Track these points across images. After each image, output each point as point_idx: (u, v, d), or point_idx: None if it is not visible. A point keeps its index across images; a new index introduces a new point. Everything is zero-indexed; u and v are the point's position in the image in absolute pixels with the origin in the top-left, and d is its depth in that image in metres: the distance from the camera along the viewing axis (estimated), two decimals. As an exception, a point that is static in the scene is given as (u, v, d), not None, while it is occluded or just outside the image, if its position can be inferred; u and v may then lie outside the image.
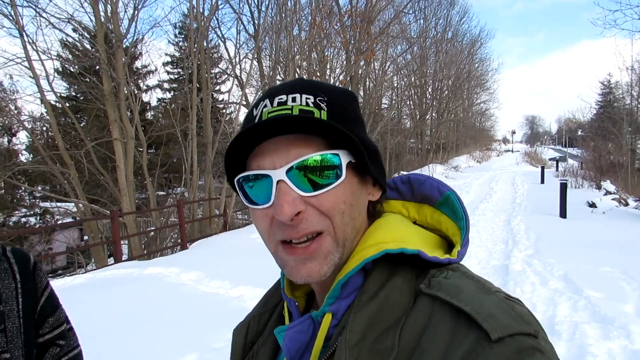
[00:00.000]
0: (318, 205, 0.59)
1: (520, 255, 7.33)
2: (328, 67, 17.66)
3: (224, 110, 19.22)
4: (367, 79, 22.66)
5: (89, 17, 12.61)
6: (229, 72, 18.37)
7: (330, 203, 0.60)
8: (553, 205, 11.86)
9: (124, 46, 12.79)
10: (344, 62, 17.70)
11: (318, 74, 16.72)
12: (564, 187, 11.45)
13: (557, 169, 29.25)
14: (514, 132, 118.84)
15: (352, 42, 16.37)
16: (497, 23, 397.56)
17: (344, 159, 0.60)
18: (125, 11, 12.34)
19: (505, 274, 6.34)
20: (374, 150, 0.65)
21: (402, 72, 27.00)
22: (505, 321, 0.49)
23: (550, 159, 46.67)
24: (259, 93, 15.82)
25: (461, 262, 0.64)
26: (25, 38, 11.07)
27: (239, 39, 18.25)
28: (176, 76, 29.17)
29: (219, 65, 25.71)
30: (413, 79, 30.16)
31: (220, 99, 27.55)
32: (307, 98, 0.62)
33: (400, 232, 0.64)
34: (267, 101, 0.63)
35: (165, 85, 29.40)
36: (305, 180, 0.59)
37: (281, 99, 0.62)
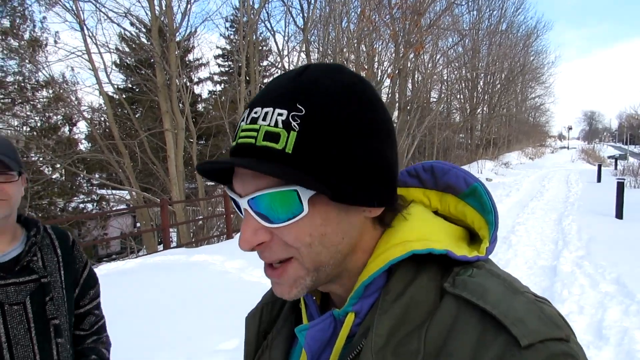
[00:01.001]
0: (282, 236, 0.57)
1: (570, 256, 7.02)
2: (376, 59, 17.49)
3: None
4: (416, 72, 22.27)
5: (145, 12, 13.08)
6: (277, 65, 18.58)
7: (293, 236, 0.56)
8: (609, 205, 11.25)
9: (177, 39, 13.16)
10: (393, 55, 17.46)
11: (366, 66, 16.59)
12: (620, 186, 10.87)
13: (615, 168, 27.65)
14: (570, 128, 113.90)
15: (401, 34, 16.12)
16: (555, 14, 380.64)
17: (304, 193, 0.54)
18: (179, 5, 12.71)
19: (553, 275, 6.10)
20: (366, 168, 0.57)
21: (453, 65, 26.36)
22: (535, 326, 0.47)
23: (609, 157, 44.40)
24: None
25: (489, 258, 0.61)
26: (86, 32, 11.64)
27: (287, 32, 18.39)
28: (227, 69, 29.76)
29: (268, 58, 26.06)
30: (464, 72, 29.38)
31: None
32: (279, 114, 0.55)
33: (425, 228, 0.61)
34: (246, 113, 0.59)
35: (216, 78, 30.08)
36: (268, 211, 0.56)
37: (255, 113, 0.57)
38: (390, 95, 18.53)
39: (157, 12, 11.97)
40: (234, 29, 28.36)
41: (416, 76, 23.02)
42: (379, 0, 15.52)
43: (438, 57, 23.53)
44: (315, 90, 0.56)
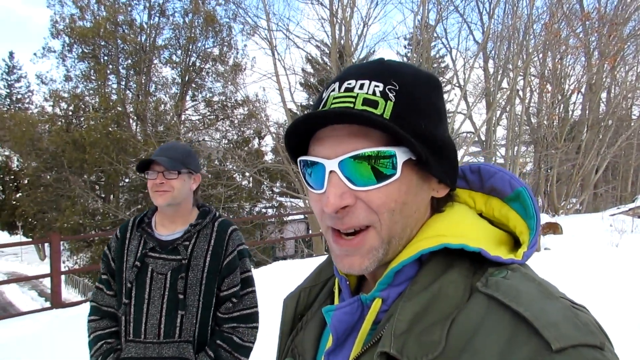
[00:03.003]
0: (367, 200, 0.58)
1: None
2: (562, 73, 16.03)
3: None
4: (613, 86, 19.71)
5: (327, 35, 14.27)
6: (452, 82, 18.35)
7: (380, 200, 0.58)
8: None
9: (354, 60, 13.99)
10: (584, 67, 15.82)
11: (550, 79, 15.34)
12: None
13: None
14: None
15: (594, 45, 14.53)
16: None
17: (400, 156, 0.58)
18: (357, 29, 13.52)
19: None
20: (443, 147, 0.62)
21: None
22: (568, 331, 0.46)
23: None
24: (480, 101, 15.41)
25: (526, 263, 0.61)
26: (276, 56, 13.15)
27: (465, 47, 18.02)
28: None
29: (445, 76, 25.75)
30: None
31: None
32: (375, 86, 0.59)
33: (462, 226, 0.62)
34: (336, 85, 0.62)
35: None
36: (358, 174, 0.57)
37: (349, 84, 0.60)
38: (578, 112, 16.81)
39: (337, 35, 12.94)
40: (411, 47, 28.79)
41: (612, 91, 20.40)
42: (569, 11, 14.28)
43: (641, 68, 20.47)
44: (405, 72, 0.62)
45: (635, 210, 11.46)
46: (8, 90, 39.29)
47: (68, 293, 18.73)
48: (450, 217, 0.64)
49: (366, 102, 0.58)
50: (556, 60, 14.83)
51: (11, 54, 38.58)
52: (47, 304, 15.66)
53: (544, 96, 15.76)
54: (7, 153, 25.04)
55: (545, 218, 9.71)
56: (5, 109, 38.54)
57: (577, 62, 15.98)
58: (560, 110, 15.53)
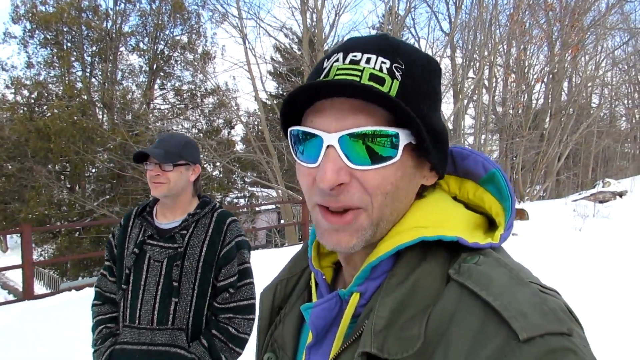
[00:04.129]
0: (363, 180, 0.56)
1: None
2: (526, 63, 16.49)
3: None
4: (574, 75, 20.40)
5: (298, 24, 14.24)
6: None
7: (376, 182, 0.56)
8: None
9: (325, 49, 14.02)
10: (547, 57, 16.30)
11: (514, 69, 15.76)
12: None
13: None
14: None
15: (556, 35, 14.98)
16: None
17: (403, 139, 0.56)
18: (328, 17, 13.55)
19: None
20: (440, 133, 0.60)
21: (619, 66, 23.51)
22: (536, 319, 0.46)
23: None
24: (449, 91, 15.68)
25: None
26: (247, 45, 13.05)
27: (432, 37, 18.27)
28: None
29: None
30: (633, 73, 25.99)
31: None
32: (382, 62, 0.57)
33: (440, 214, 0.61)
34: (340, 55, 0.59)
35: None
36: (357, 152, 0.55)
37: (355, 56, 0.58)
38: (541, 101, 17.32)
39: (308, 24, 12.91)
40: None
41: (573, 80, 21.11)
42: (533, 2, 14.66)
43: (602, 57, 21.27)
44: (410, 52, 0.60)
45: (596, 195, 11.98)
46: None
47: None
48: (429, 205, 0.63)
49: (372, 77, 0.56)
50: (520, 50, 15.23)
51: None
52: (10, 297, 15.40)
53: (509, 85, 16.21)
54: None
55: (510, 204, 10.03)
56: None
57: (540, 51, 16.46)
58: (525, 99, 15.98)
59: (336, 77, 0.57)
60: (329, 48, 13.76)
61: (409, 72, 0.58)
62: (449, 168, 0.69)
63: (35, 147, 16.10)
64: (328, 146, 0.56)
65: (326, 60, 0.61)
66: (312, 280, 0.72)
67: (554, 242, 7.56)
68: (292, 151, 0.63)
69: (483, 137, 13.74)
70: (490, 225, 0.66)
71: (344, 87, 0.54)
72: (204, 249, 1.72)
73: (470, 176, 0.68)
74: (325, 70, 0.59)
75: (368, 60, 0.57)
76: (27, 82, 17.96)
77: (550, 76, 16.05)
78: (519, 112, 15.08)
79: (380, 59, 0.57)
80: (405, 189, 0.60)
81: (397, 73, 0.57)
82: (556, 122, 15.71)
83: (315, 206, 0.60)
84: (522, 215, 9.34)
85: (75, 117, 16.09)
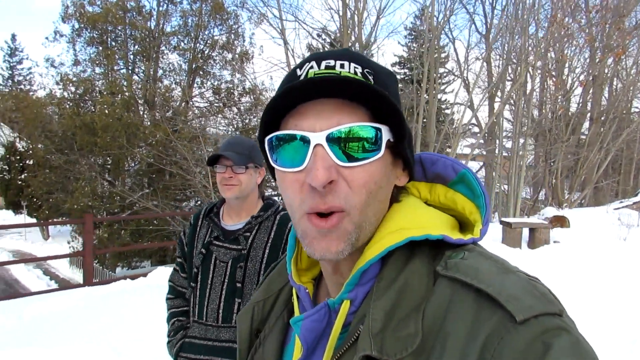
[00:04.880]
0: (350, 178, 0.57)
1: None
2: (567, 66, 16.18)
3: (447, 111, 19.44)
4: (615, 79, 19.88)
5: (336, 25, 14.38)
6: (455, 73, 18.48)
7: (363, 179, 0.57)
8: None
9: (365, 52, 14.12)
10: (587, 61, 15.95)
11: (554, 73, 15.50)
12: None
13: None
14: None
15: (599, 38, 14.65)
16: None
17: (385, 135, 0.58)
18: (369, 18, 13.63)
19: None
20: (409, 134, 0.63)
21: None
22: (529, 302, 0.49)
23: None
24: (485, 95, 15.55)
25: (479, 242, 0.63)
26: (287, 46, 13.29)
27: (469, 40, 18.17)
28: (402, 76, 30.23)
29: (445, 66, 25.80)
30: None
31: (444, 99, 27.60)
32: (355, 67, 0.60)
33: (421, 216, 0.63)
34: (313, 63, 0.61)
35: (392, 85, 30.54)
36: (343, 150, 0.57)
37: (329, 63, 0.60)
38: (580, 105, 16.96)
39: (349, 27, 13.03)
40: (412, 37, 28.76)
41: (614, 84, 20.56)
42: (574, 3, 14.40)
43: (645, 62, 20.60)
44: (375, 63, 0.63)
45: (638, 204, 11.67)
46: (10, 72, 39.38)
47: (73, 273, 19.05)
48: (408, 207, 0.65)
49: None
50: (562, 53, 14.98)
51: (13, 37, 38.62)
52: (53, 282, 16.06)
53: (548, 89, 15.94)
54: (14, 135, 25.14)
55: (552, 211, 9.94)
56: (7, 90, 38.84)
57: (581, 54, 16.13)
58: (564, 104, 15.69)
59: (317, 76, 0.57)
60: (361, 48, 13.87)
61: (379, 76, 0.61)
62: (418, 174, 0.72)
63: (82, 140, 16.80)
64: (316, 145, 0.56)
65: (298, 69, 0.62)
66: (294, 296, 0.71)
67: (597, 251, 7.43)
68: (270, 160, 0.62)
69: (522, 140, 13.58)
70: (461, 227, 0.67)
71: (330, 83, 0.55)
72: (267, 251, 1.77)
73: (440, 180, 0.70)
74: (302, 76, 0.60)
75: (342, 66, 0.60)
76: (74, 79, 18.70)
77: (591, 79, 15.70)
78: (559, 116, 14.82)
79: (353, 64, 0.60)
80: (385, 189, 0.62)
81: (369, 77, 0.60)
82: (597, 128, 15.39)
83: (303, 216, 0.60)
84: (562, 222, 9.24)
85: (120, 113, 16.68)
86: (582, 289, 5.41)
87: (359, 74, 0.59)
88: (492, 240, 8.25)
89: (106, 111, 16.39)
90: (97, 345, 4.03)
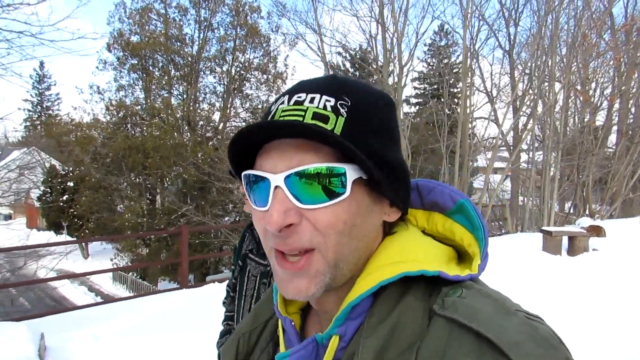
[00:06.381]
0: (313, 220, 0.55)
1: None
2: (593, 80, 16.56)
3: (471, 124, 19.96)
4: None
5: (370, 47, 15.16)
6: (479, 88, 19.05)
7: (327, 221, 0.55)
8: None
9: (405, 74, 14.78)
10: (614, 77, 16.33)
11: (578, 87, 15.90)
12: None
13: None
14: None
15: (625, 54, 15.06)
16: None
17: (350, 174, 0.55)
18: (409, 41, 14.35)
19: None
20: (396, 168, 0.60)
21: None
22: (532, 349, 0.47)
23: None
24: (509, 108, 15.99)
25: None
26: (327, 68, 14.09)
27: (493, 55, 18.65)
28: (422, 91, 30.65)
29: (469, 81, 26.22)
30: None
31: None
32: (327, 100, 0.57)
33: (415, 249, 0.61)
34: (285, 97, 0.60)
35: (412, 100, 31.07)
36: (305, 191, 0.54)
37: (299, 97, 0.58)
38: (606, 119, 17.28)
39: (388, 47, 13.78)
40: (431, 53, 29.38)
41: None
42: (602, 22, 14.90)
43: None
44: (357, 89, 0.60)
45: (671, 215, 11.93)
46: (39, 98, 41.20)
47: (116, 289, 19.90)
48: (403, 241, 0.62)
49: (316, 116, 0.56)
50: (590, 70, 15.45)
51: (42, 64, 40.37)
52: (99, 299, 16.80)
53: (576, 104, 16.38)
54: (52, 160, 26.27)
55: (587, 221, 10.35)
56: (36, 115, 40.62)
57: (608, 70, 16.49)
58: (590, 118, 16.06)
59: (282, 118, 0.57)
60: (407, 72, 14.49)
61: (356, 108, 0.58)
62: (415, 201, 0.69)
63: (133, 162, 17.79)
64: (275, 187, 0.55)
65: (274, 104, 0.61)
66: (280, 328, 0.68)
67: (634, 258, 7.80)
68: (247, 197, 0.62)
69: (554, 155, 14.02)
70: (459, 257, 0.66)
71: (285, 127, 0.54)
72: None
73: (438, 208, 0.68)
74: (272, 114, 0.59)
75: (312, 100, 0.57)
76: (115, 103, 19.81)
77: (619, 95, 16.08)
78: (586, 130, 15.21)
79: (325, 97, 0.57)
80: (362, 227, 0.58)
81: (342, 110, 0.57)
82: (626, 141, 15.70)
83: (271, 251, 0.59)
84: (599, 231, 9.62)
85: (170, 135, 17.69)
86: (622, 294, 5.79)
87: (329, 108, 0.56)
88: (532, 248, 8.68)
89: (155, 133, 17.40)
90: (199, 332, 4.67)
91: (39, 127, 38.82)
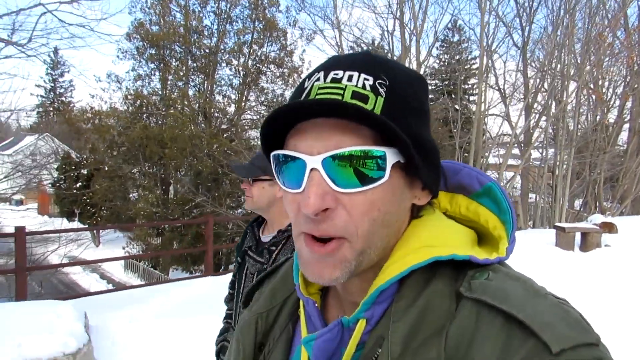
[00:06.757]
0: (349, 206, 0.54)
1: None
2: (607, 78, 16.63)
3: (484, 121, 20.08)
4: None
5: (387, 44, 15.30)
6: (492, 86, 19.10)
7: (364, 207, 0.54)
8: None
9: (422, 71, 14.87)
10: (627, 75, 16.39)
11: (591, 85, 15.97)
12: None
13: None
14: None
15: (637, 52, 15.11)
16: None
17: (390, 157, 0.53)
18: (427, 37, 14.49)
19: None
20: (430, 150, 0.59)
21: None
22: (565, 331, 0.46)
23: None
24: (521, 106, 16.09)
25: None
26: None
27: (507, 52, 18.71)
28: (432, 87, 30.67)
29: (476, 77, 26.28)
30: None
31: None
32: (365, 79, 0.55)
33: (445, 233, 0.60)
34: (321, 74, 0.57)
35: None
36: (342, 174, 0.53)
37: (336, 74, 0.56)
38: (617, 116, 17.36)
39: (407, 45, 13.94)
40: (444, 48, 29.40)
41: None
42: (617, 21, 14.95)
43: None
44: (395, 68, 0.59)
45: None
46: (52, 85, 41.52)
47: (128, 277, 20.25)
48: (432, 224, 0.62)
49: (355, 95, 0.54)
50: (603, 68, 15.52)
51: (56, 50, 40.59)
52: (110, 286, 17.13)
53: (589, 101, 16.47)
54: (65, 148, 26.56)
55: (599, 218, 10.52)
56: (49, 102, 40.96)
57: (621, 68, 16.55)
58: (603, 116, 16.16)
59: (317, 97, 0.55)
60: (426, 69, 14.62)
61: (394, 88, 0.56)
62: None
63: (150, 152, 18.08)
64: (312, 169, 0.54)
65: (307, 80, 0.59)
66: (301, 309, 0.67)
67: None
68: (276, 178, 0.60)
69: (567, 151, 14.15)
70: (480, 239, 0.65)
71: (325, 107, 0.52)
72: None
73: (462, 190, 0.67)
74: (307, 90, 0.57)
75: (350, 78, 0.55)
76: (133, 92, 20.07)
77: (632, 93, 16.14)
78: (599, 128, 15.32)
79: (363, 75, 0.55)
80: (395, 213, 0.58)
81: (380, 89, 0.55)
82: (637, 139, 15.79)
83: (300, 234, 0.58)
84: (611, 228, 9.79)
85: (188, 125, 17.96)
86: (635, 289, 5.99)
87: (368, 87, 0.55)
88: (546, 244, 8.88)
89: (172, 124, 17.68)
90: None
91: (51, 113, 39.20)
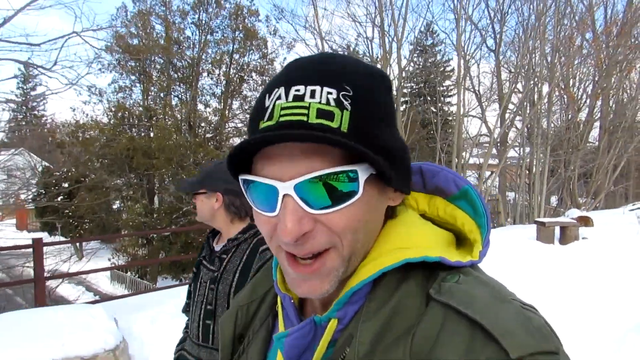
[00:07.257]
0: (328, 224, 0.54)
1: None
2: (577, 78, 17.28)
3: (453, 122, 20.58)
4: (621, 91, 20.93)
5: (367, 50, 15.68)
6: (468, 88, 19.59)
7: (343, 222, 0.54)
8: None
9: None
10: (595, 74, 17.10)
11: (562, 84, 16.57)
12: None
13: None
14: None
15: (605, 53, 15.79)
16: None
17: (362, 173, 0.53)
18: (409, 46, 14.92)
19: None
20: (400, 156, 0.59)
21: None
22: (524, 338, 0.47)
23: None
24: (490, 104, 16.55)
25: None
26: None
27: (480, 54, 19.29)
28: (408, 90, 31.19)
29: (451, 79, 26.89)
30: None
31: (451, 110, 28.57)
32: (328, 93, 0.53)
33: (417, 234, 0.61)
34: (281, 90, 0.54)
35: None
36: (316, 195, 0.52)
37: (298, 90, 0.53)
38: (587, 115, 18.03)
39: (387, 50, 14.32)
40: (417, 52, 29.96)
41: (620, 94, 21.52)
42: (585, 24, 15.59)
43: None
44: (357, 72, 0.56)
45: (651, 205, 12.72)
46: (24, 98, 40.75)
47: (114, 289, 20.13)
48: (404, 225, 0.63)
49: (320, 113, 0.52)
50: (576, 68, 16.13)
51: (27, 64, 39.63)
52: (97, 298, 17.04)
53: (561, 100, 17.12)
54: (38, 160, 26.21)
55: (576, 212, 11.03)
56: (21, 116, 40.15)
57: (589, 66, 17.19)
58: (574, 114, 16.81)
59: (281, 119, 0.53)
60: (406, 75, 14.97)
61: (358, 99, 0.54)
62: (418, 184, 0.69)
63: (138, 163, 18.07)
64: (284, 195, 0.53)
65: (267, 96, 0.56)
66: (279, 305, 0.68)
67: (621, 245, 8.44)
68: (247, 197, 0.59)
69: (542, 149, 14.66)
70: (458, 242, 0.66)
71: (292, 136, 0.51)
72: (237, 274, 1.71)
73: (441, 193, 0.68)
74: (269, 110, 0.55)
75: (313, 94, 0.53)
76: (113, 105, 20.06)
77: (599, 91, 16.79)
78: (571, 126, 15.93)
79: (326, 89, 0.53)
80: (374, 220, 0.59)
81: (345, 102, 0.53)
82: (608, 137, 16.44)
83: (280, 250, 0.58)
84: (587, 221, 10.27)
85: (174, 136, 18.03)
86: (611, 278, 6.36)
87: (332, 102, 0.53)
88: (527, 239, 9.31)
89: (158, 134, 17.74)
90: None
91: (24, 128, 38.45)
